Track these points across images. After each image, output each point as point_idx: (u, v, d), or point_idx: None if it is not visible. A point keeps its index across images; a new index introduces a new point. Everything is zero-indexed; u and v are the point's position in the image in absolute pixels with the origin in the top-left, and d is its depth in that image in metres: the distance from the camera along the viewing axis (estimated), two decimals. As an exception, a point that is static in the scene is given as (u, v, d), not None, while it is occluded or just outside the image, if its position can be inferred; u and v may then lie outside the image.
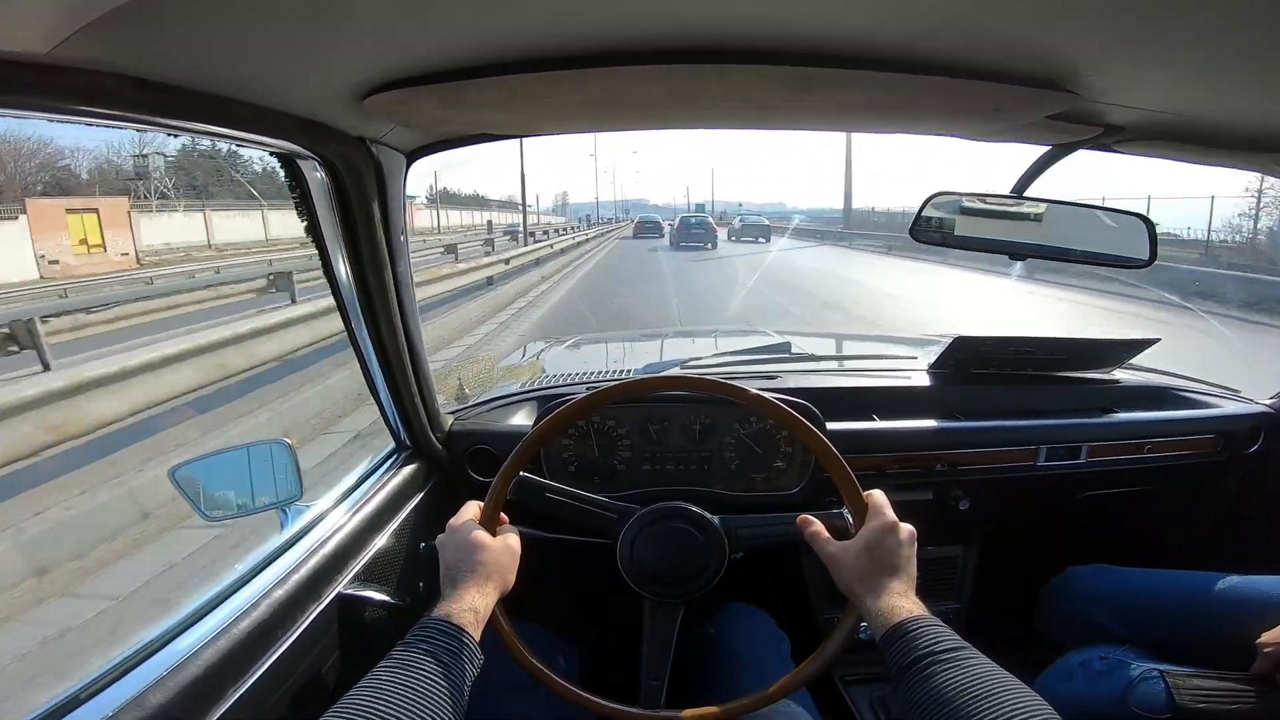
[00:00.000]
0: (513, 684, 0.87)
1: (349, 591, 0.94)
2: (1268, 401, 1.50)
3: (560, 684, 0.86)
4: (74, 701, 0.66)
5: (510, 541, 0.85)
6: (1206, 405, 1.51)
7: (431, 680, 0.66)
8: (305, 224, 0.87)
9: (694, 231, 23.20)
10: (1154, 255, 1.05)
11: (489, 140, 0.95)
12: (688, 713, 0.84)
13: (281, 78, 0.64)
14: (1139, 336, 1.53)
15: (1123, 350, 1.58)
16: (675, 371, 1.55)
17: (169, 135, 0.59)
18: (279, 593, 0.84)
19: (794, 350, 1.81)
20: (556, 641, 1.07)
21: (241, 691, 0.73)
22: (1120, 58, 0.65)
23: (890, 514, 0.82)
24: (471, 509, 0.87)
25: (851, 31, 0.59)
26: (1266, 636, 0.98)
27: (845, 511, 0.88)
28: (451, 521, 0.85)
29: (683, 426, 1.30)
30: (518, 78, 0.64)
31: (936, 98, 0.72)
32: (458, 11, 0.53)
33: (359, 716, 0.60)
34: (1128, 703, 0.99)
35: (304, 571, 0.89)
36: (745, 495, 1.28)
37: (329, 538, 0.96)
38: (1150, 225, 1.05)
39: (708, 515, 0.92)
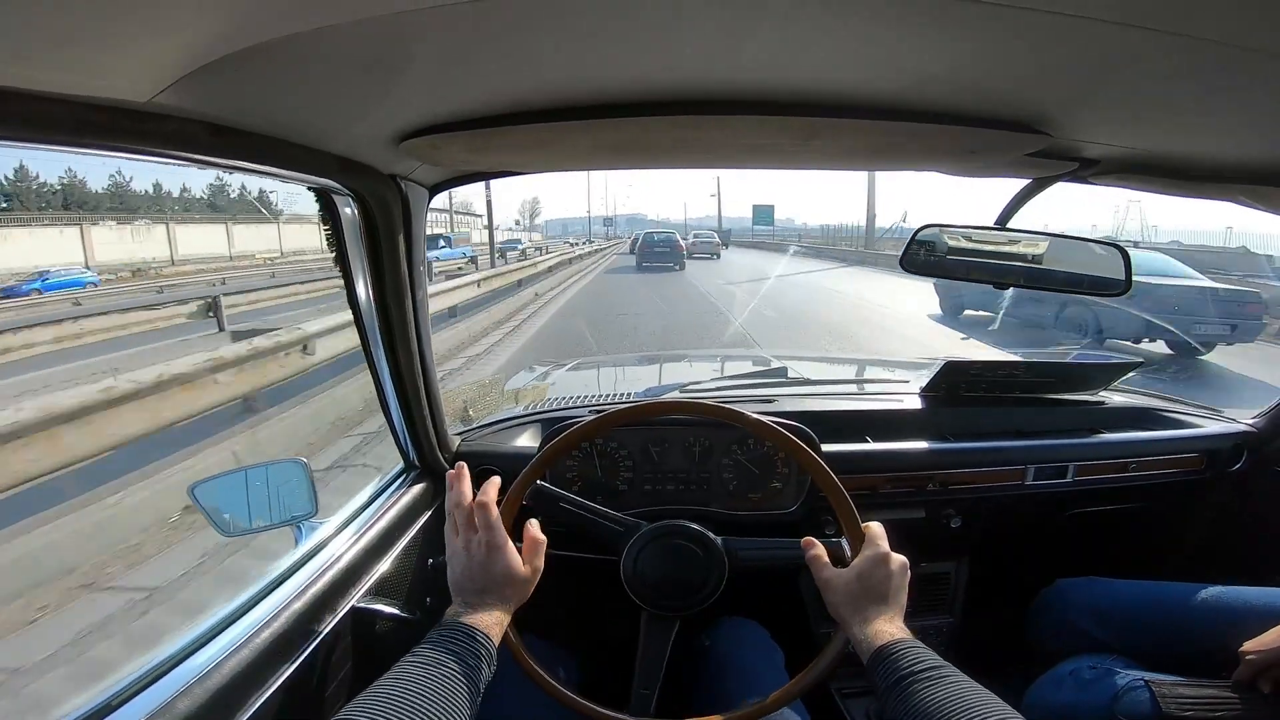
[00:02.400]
0: (515, 690, 0.90)
1: (362, 605, 0.97)
2: (1249, 421, 1.55)
3: (563, 692, 0.89)
4: (106, 708, 0.69)
5: (538, 564, 0.86)
6: (1190, 425, 1.56)
7: (454, 680, 0.69)
8: (334, 254, 0.93)
9: (657, 251, 22.25)
10: (1129, 283, 1.11)
11: (506, 176, 1.01)
12: None
13: (332, 123, 0.70)
14: (1123, 360, 1.59)
15: (1108, 373, 1.63)
16: (677, 395, 1.59)
17: (226, 173, 0.64)
18: (297, 605, 0.87)
19: (790, 374, 1.85)
20: (557, 653, 1.09)
21: (264, 699, 0.76)
22: (1086, 103, 0.71)
23: (885, 546, 0.86)
24: (497, 515, 0.86)
25: (849, 85, 0.65)
26: (1249, 645, 1.01)
27: (844, 541, 0.92)
28: (484, 534, 0.84)
29: (683, 448, 1.34)
30: (540, 126, 0.71)
31: (923, 141, 0.78)
32: (490, 69, 0.59)
33: (389, 705, 0.63)
34: (1115, 711, 1.01)
35: (320, 585, 0.92)
36: (743, 514, 1.31)
37: (342, 554, 0.99)
38: (1126, 254, 1.11)
39: (710, 534, 0.96)
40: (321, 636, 0.88)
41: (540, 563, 0.87)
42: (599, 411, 1.03)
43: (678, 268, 21.11)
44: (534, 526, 0.89)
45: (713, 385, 1.69)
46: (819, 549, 0.90)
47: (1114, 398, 1.66)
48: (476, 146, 0.77)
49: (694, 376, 1.91)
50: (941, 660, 0.73)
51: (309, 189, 0.83)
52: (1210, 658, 1.06)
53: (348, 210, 0.90)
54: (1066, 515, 1.53)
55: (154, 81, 0.47)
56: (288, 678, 0.81)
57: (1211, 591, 1.18)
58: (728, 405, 1.02)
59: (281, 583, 0.92)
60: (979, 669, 0.72)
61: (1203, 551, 1.57)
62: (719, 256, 28.16)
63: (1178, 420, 1.59)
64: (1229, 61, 0.52)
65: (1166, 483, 1.49)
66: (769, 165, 0.96)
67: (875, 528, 0.88)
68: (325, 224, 0.90)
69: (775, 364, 1.97)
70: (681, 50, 0.57)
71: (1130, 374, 1.62)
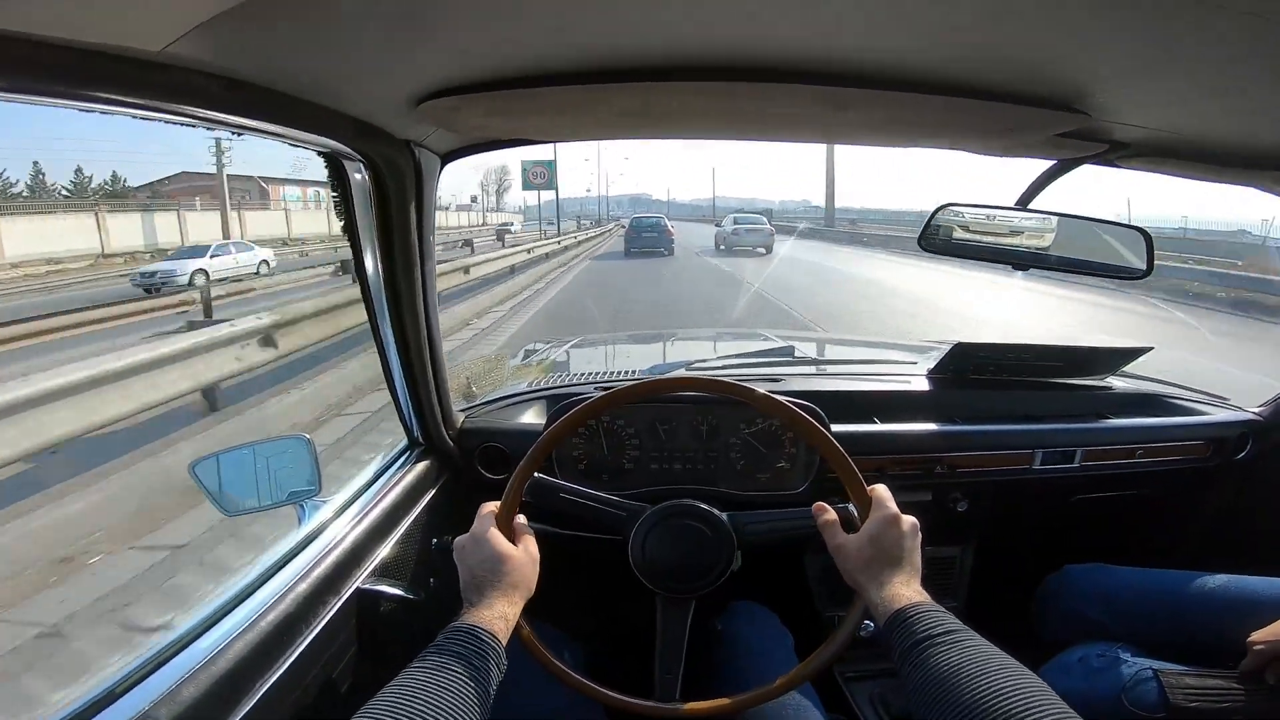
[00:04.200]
0: (527, 679, 0.89)
1: (366, 586, 0.96)
2: (1256, 409, 1.54)
3: (576, 679, 0.88)
4: (111, 695, 0.67)
5: (531, 549, 0.86)
6: (1197, 412, 1.55)
7: (460, 683, 0.67)
8: (343, 222, 0.89)
9: (645, 236, 21.23)
10: (1151, 267, 1.09)
11: (523, 144, 0.98)
12: (699, 705, 0.87)
13: (351, 82, 0.67)
14: (1131, 345, 1.58)
15: (1117, 358, 1.62)
16: (685, 372, 1.57)
17: (234, 133, 0.61)
18: (301, 587, 0.86)
19: (797, 354, 1.83)
20: (565, 638, 1.08)
21: (269, 684, 0.75)
22: (1129, 80, 0.68)
23: (893, 507, 0.84)
24: (489, 512, 0.88)
25: (884, 55, 0.62)
26: (1257, 635, 1.01)
27: (851, 506, 0.90)
28: (474, 529, 0.85)
29: (690, 427, 1.32)
30: (565, 89, 0.67)
31: (958, 117, 0.75)
32: (517, 27, 0.56)
33: (397, 713, 0.62)
34: (1124, 701, 1.02)
35: (324, 567, 0.90)
36: (751, 494, 1.30)
37: (347, 534, 0.98)
38: (1148, 238, 1.09)
39: (716, 512, 0.94)
40: (327, 619, 0.87)
41: (534, 548, 0.87)
42: (605, 388, 1.01)
43: (666, 252, 20.49)
44: (519, 516, 0.90)
45: (719, 364, 1.68)
46: (830, 514, 0.88)
47: (1120, 383, 1.65)
48: (498, 110, 0.74)
49: (699, 355, 1.89)
50: (960, 624, 0.72)
51: (318, 153, 0.80)
52: (1217, 647, 1.06)
53: (358, 176, 0.87)
54: (1073, 501, 1.52)
55: (168, 30, 0.43)
56: (293, 662, 0.79)
57: (1218, 580, 1.18)
58: (737, 383, 1.00)
59: (285, 565, 0.91)
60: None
61: (1209, 540, 1.57)
62: (770, 250, 20.71)
63: (1184, 407, 1.58)
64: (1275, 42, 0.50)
65: (1173, 470, 1.49)
66: (800, 137, 0.93)
67: (881, 490, 0.87)
68: (334, 190, 0.86)
69: (781, 343, 1.95)
70: (716, 12, 0.54)
71: (1138, 359, 1.61)
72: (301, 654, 0.81)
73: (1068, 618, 1.27)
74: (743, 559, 0.94)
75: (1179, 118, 0.81)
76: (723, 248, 21.41)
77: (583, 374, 1.66)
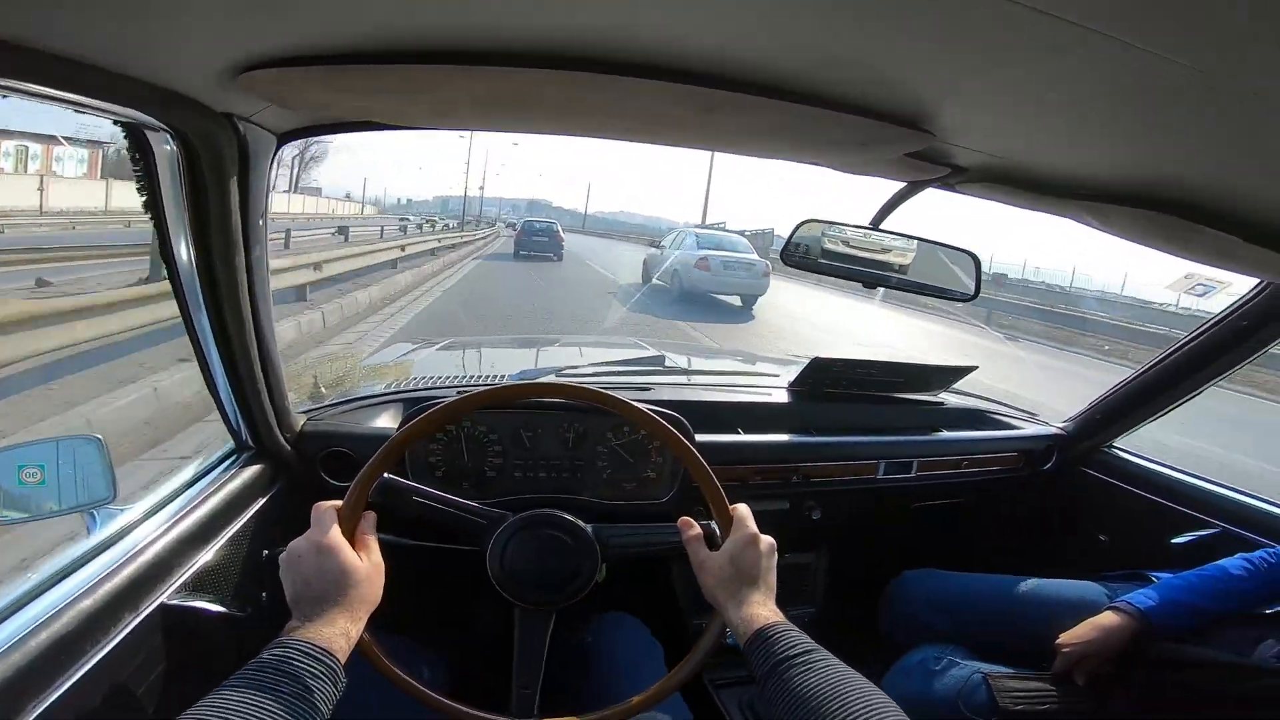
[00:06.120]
0: (375, 697, 0.82)
1: (174, 602, 0.85)
2: (1060, 425, 1.74)
3: (426, 694, 0.83)
4: None
5: (375, 558, 0.79)
6: (1012, 427, 1.73)
7: (281, 707, 0.60)
8: (145, 199, 0.77)
9: (535, 240, 21.11)
10: (978, 290, 1.20)
11: (372, 129, 0.90)
12: None
13: (149, 45, 0.58)
14: (960, 365, 1.74)
15: (947, 375, 1.77)
16: (552, 379, 1.54)
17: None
18: (85, 603, 0.74)
19: (667, 364, 1.86)
20: (421, 652, 1.02)
21: (39, 711, 0.65)
22: (964, 103, 0.74)
23: (752, 527, 0.86)
24: (328, 514, 0.79)
25: (750, 59, 0.63)
26: (1064, 638, 1.13)
27: (714, 523, 0.91)
28: (311, 534, 0.76)
29: (557, 434, 1.29)
30: (409, 68, 0.61)
31: (819, 127, 0.77)
32: None
33: None
34: (961, 706, 1.10)
35: (117, 580, 0.79)
36: (616, 503, 1.29)
37: (149, 543, 0.86)
38: (978, 262, 1.20)
39: (580, 523, 0.92)
40: (119, 639, 0.76)
41: (378, 558, 0.80)
42: (465, 392, 0.96)
43: (555, 258, 20.35)
44: (364, 520, 0.82)
45: (589, 370, 1.66)
46: (695, 529, 0.89)
47: (953, 399, 1.81)
48: (334, 86, 0.66)
49: (570, 361, 1.87)
50: (815, 644, 0.75)
51: (115, 121, 0.68)
52: (1035, 647, 1.16)
53: (166, 148, 0.76)
54: (912, 508, 1.65)
55: None
56: (72, 686, 0.69)
57: (1030, 584, 1.31)
58: (605, 391, 0.98)
59: (65, 577, 0.78)
60: (840, 657, 0.74)
61: (1025, 544, 1.74)
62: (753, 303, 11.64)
63: (1002, 422, 1.76)
64: (1101, 64, 0.55)
65: (992, 479, 1.65)
66: (668, 140, 0.93)
67: (742, 509, 0.89)
68: (135, 165, 0.74)
69: (653, 352, 1.97)
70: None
71: (965, 376, 1.78)
72: (84, 676, 0.71)
73: (906, 621, 1.36)
74: (609, 570, 0.92)
75: (1004, 143, 0.89)
76: (661, 282, 12.27)
77: (446, 376, 1.58)
